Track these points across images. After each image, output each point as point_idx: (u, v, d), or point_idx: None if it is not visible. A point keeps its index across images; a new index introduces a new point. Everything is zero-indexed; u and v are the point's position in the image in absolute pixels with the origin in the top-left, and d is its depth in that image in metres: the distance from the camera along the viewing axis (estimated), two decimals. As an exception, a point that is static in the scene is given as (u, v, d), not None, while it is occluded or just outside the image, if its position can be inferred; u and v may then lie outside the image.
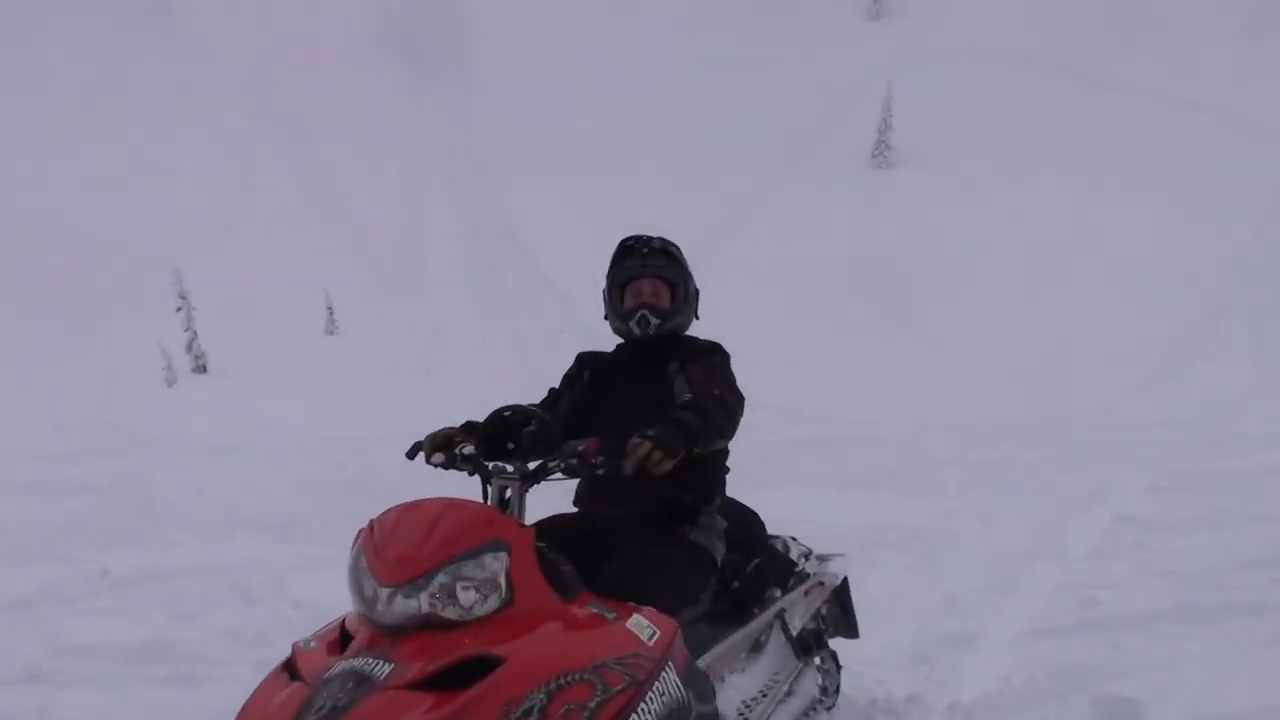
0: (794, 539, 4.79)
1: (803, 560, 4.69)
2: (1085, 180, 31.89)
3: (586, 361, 4.23)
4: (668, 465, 3.24)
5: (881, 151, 36.92)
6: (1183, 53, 38.73)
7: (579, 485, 4.10)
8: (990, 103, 37.39)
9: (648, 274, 4.01)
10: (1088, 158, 33.35)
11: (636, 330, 3.99)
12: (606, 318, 4.14)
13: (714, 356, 4.02)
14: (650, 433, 3.25)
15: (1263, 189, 30.78)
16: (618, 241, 4.14)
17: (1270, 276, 26.62)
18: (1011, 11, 42.65)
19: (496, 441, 3.62)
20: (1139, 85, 37.56)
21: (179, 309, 25.96)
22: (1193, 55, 38.37)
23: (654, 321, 3.97)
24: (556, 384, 4.22)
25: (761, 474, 9.96)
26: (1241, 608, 6.18)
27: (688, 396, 3.73)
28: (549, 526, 3.78)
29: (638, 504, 3.81)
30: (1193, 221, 28.96)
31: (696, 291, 4.16)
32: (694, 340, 4.16)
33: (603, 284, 4.10)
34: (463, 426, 3.74)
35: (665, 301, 4.01)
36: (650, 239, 4.07)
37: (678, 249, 4.12)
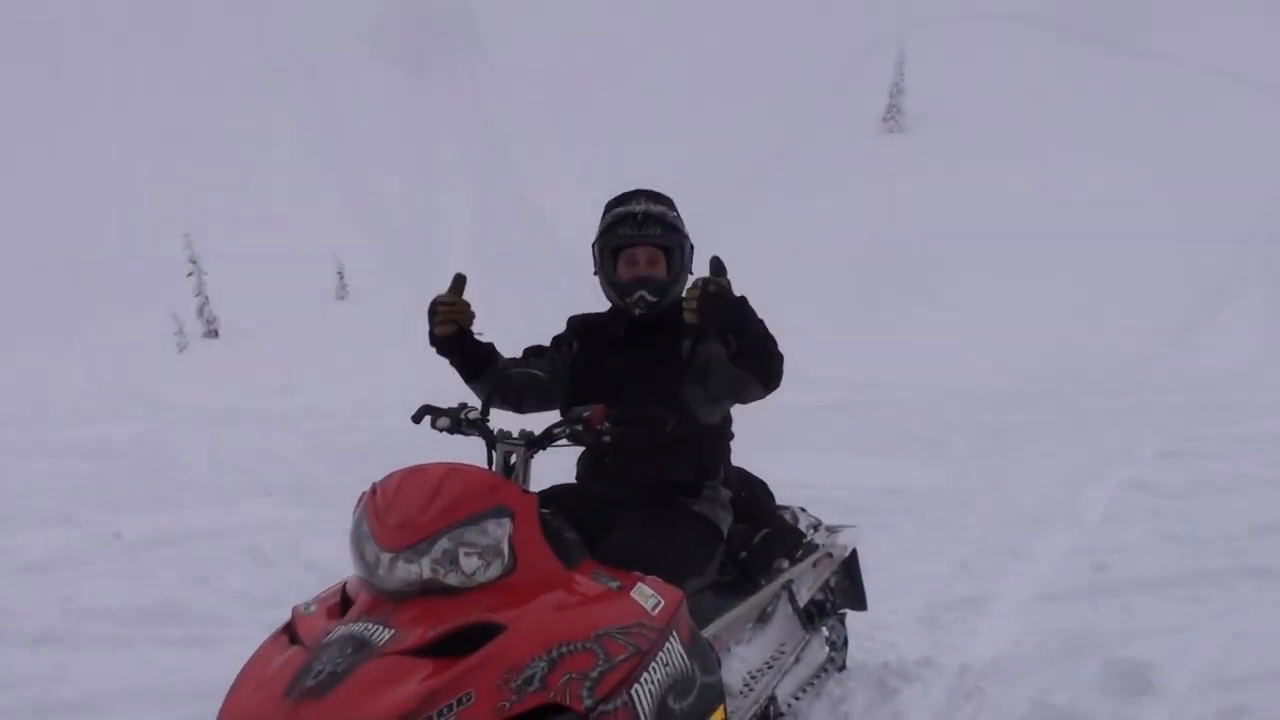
0: (803, 509, 4.77)
1: (811, 531, 4.67)
2: (1100, 145, 31.74)
3: (578, 328, 4.09)
4: (692, 316, 3.24)
5: (893, 115, 36.75)
6: (1202, 18, 38.46)
7: (580, 463, 4.06)
8: (1005, 67, 37.19)
9: (643, 242, 3.83)
10: (1103, 123, 33.19)
11: (636, 311, 3.84)
12: (596, 274, 3.98)
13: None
14: (715, 283, 3.25)
15: (1278, 154, 30.60)
16: (609, 200, 3.96)
17: (1284, 241, 26.52)
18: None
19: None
20: (1158, 51, 37.36)
21: (190, 274, 25.97)
22: (1212, 21, 38.09)
23: (651, 300, 3.82)
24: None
25: (774, 439, 9.96)
26: (1253, 571, 6.18)
27: None
28: (553, 495, 3.76)
29: (639, 484, 3.77)
30: (1208, 187, 28.79)
31: (692, 247, 3.98)
32: None
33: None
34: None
35: (661, 271, 3.84)
36: (642, 205, 3.85)
37: (671, 207, 3.92)
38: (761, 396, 3.59)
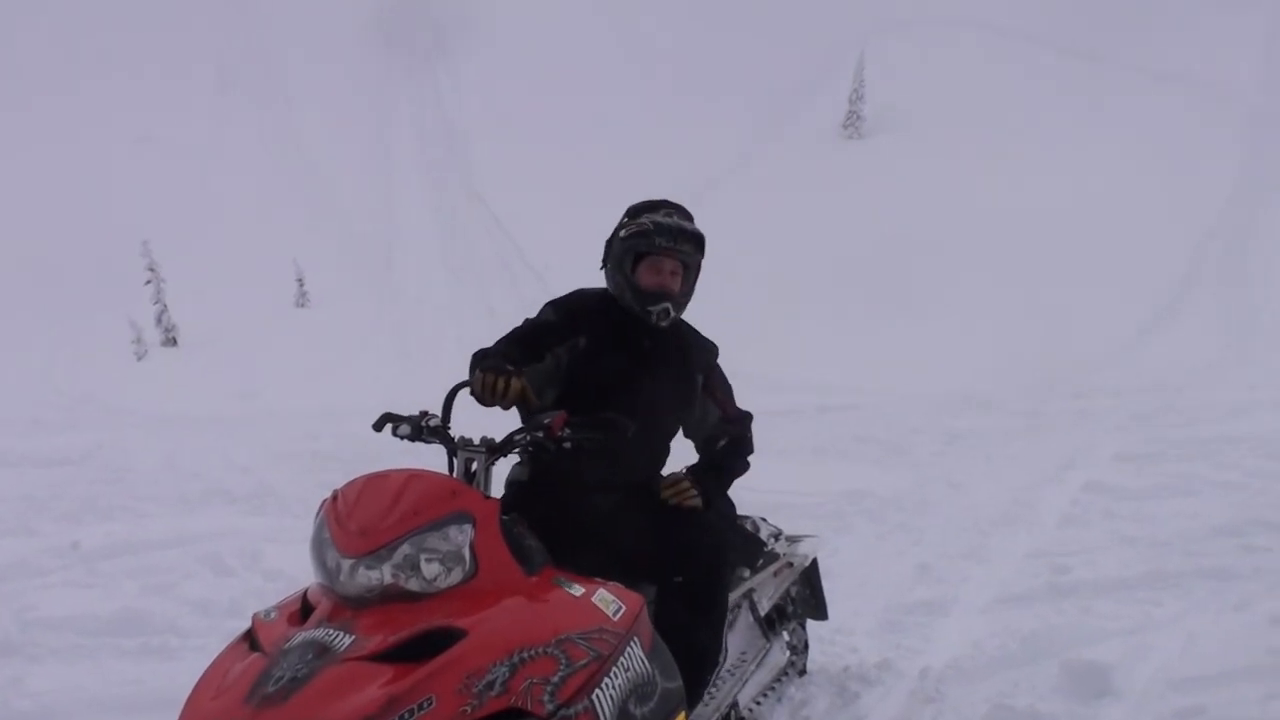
0: (764, 519, 4.78)
1: (772, 541, 4.69)
2: (1060, 152, 31.90)
3: (581, 324, 3.89)
4: (696, 505, 3.91)
5: (852, 122, 36.86)
6: (1164, 26, 38.73)
7: (528, 463, 3.97)
8: (965, 73, 37.36)
9: (673, 254, 3.85)
10: (1063, 129, 33.36)
11: (655, 321, 3.85)
12: (604, 269, 3.96)
13: (721, 370, 4.23)
14: (700, 478, 3.96)
15: (1234, 159, 30.91)
16: (631, 205, 3.99)
17: (1241, 246, 26.75)
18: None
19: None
20: (1115, 56, 37.58)
21: (148, 282, 25.81)
22: (1175, 28, 38.37)
23: (672, 315, 3.87)
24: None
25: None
26: (1209, 573, 6.23)
27: (722, 431, 4.20)
28: (515, 499, 3.77)
29: (606, 485, 3.83)
30: (1165, 191, 29.01)
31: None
32: (698, 335, 4.19)
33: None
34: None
35: (678, 284, 3.87)
36: (687, 224, 3.91)
37: (693, 222, 3.98)
38: None
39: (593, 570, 3.28)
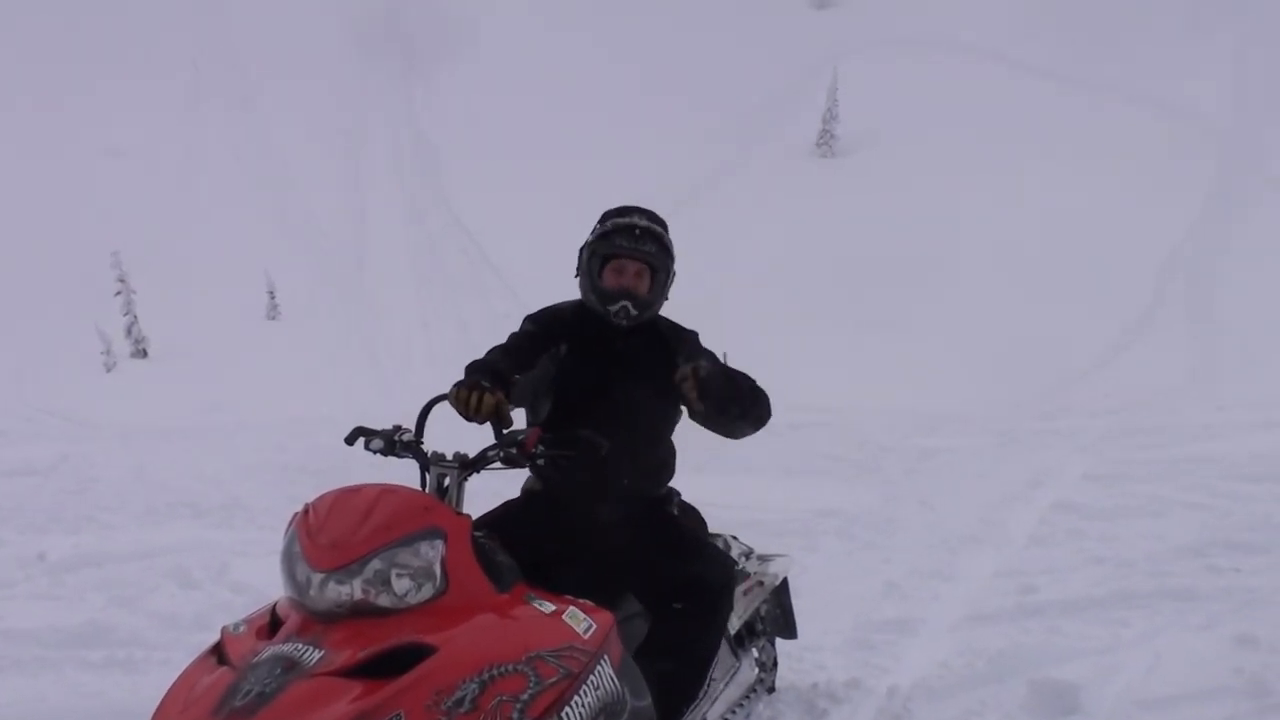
0: (735, 537, 4.79)
1: (743, 559, 4.69)
2: (1033, 171, 32.07)
3: (563, 328, 4.02)
4: (695, 402, 3.48)
5: (826, 141, 36.98)
6: (1130, 44, 39.03)
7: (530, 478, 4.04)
8: (939, 93, 37.52)
9: (636, 256, 3.91)
10: (1032, 149, 33.54)
11: (615, 319, 3.91)
12: (578, 278, 4.04)
13: (704, 349, 4.07)
14: (703, 367, 3.44)
15: (1204, 179, 31.14)
16: (603, 210, 4.05)
17: (1208, 268, 26.94)
18: (960, 2, 42.87)
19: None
20: (1087, 76, 37.82)
21: (118, 293, 25.65)
22: (1145, 51, 38.66)
23: (633, 314, 3.91)
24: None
25: (706, 462, 9.96)
26: (1175, 593, 6.26)
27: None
28: (507, 516, 3.77)
29: (618, 503, 3.85)
30: (1136, 211, 29.21)
31: (674, 274, 4.12)
32: (675, 326, 4.18)
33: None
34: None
35: (645, 287, 3.94)
36: (643, 221, 3.96)
37: (666, 229, 4.04)
38: (752, 432, 3.93)
39: (586, 581, 3.29)
